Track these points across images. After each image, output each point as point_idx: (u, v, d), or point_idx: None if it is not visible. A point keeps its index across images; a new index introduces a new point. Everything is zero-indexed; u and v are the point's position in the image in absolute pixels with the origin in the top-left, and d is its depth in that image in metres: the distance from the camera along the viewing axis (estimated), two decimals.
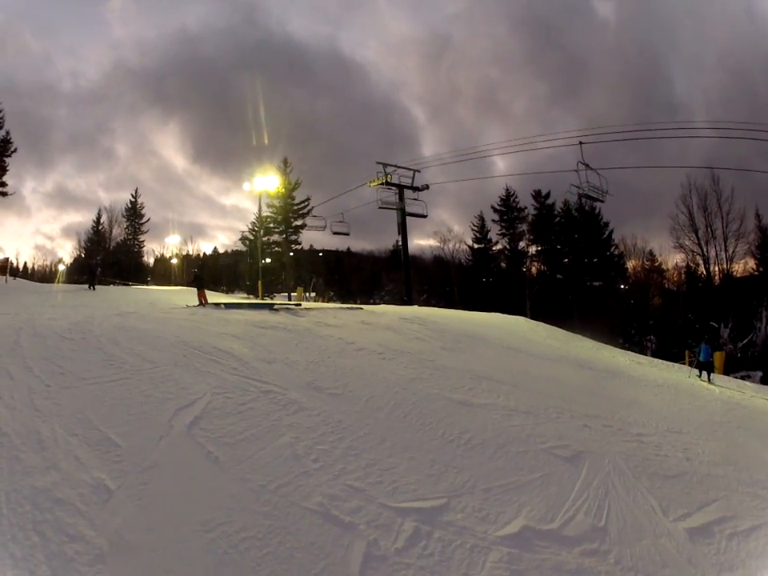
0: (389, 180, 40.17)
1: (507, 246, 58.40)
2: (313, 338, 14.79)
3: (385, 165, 40.31)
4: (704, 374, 23.51)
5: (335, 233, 42.40)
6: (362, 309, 22.72)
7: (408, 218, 42.25)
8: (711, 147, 43.67)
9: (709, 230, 50.23)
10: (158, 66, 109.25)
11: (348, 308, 23.56)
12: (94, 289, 32.21)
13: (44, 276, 70.15)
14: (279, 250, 60.23)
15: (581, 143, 34.36)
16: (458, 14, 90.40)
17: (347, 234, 43.24)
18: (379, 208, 41.01)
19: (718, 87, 54.88)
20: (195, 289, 25.72)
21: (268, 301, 35.47)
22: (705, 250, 50.35)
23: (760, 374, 41.05)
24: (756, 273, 49.13)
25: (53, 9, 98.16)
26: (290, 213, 59.77)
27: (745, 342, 33.61)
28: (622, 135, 35.10)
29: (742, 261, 50.13)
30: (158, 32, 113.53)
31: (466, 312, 31.50)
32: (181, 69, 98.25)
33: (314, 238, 66.42)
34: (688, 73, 61.09)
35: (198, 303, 23.49)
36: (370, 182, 41.16)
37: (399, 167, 40.96)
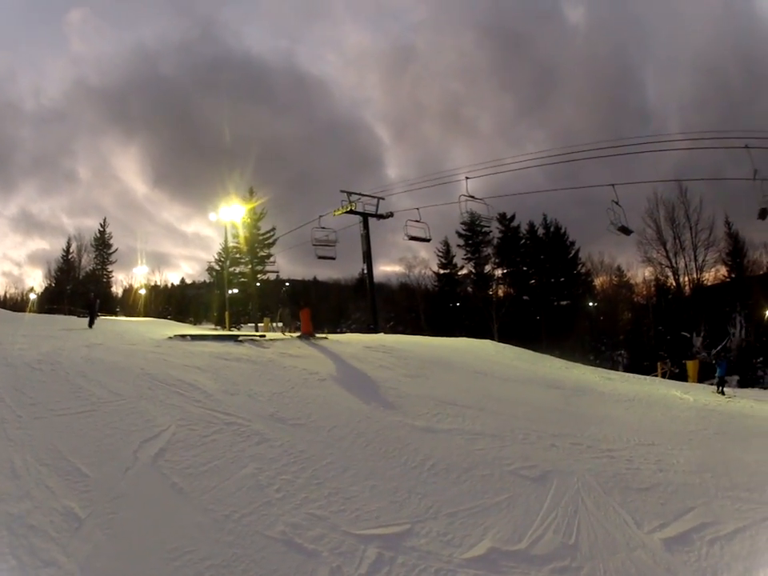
0: (353, 208, 40.11)
1: (473, 270, 58.88)
2: (276, 368, 15.04)
3: (349, 193, 40.37)
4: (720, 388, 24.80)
5: (320, 257, 42.01)
6: (326, 338, 22.60)
7: (374, 245, 42.63)
8: (682, 156, 44.10)
9: (677, 241, 51.08)
10: (118, 84, 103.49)
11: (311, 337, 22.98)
12: (92, 326, 25.65)
13: (15, 304, 68.84)
14: (245, 280, 60.58)
15: (467, 178, 36.23)
16: (421, 23, 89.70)
17: (333, 258, 43.01)
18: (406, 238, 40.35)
19: (693, 88, 55.97)
20: (165, 320, 24.98)
21: (233, 332, 35.20)
22: (674, 261, 51.18)
23: (737, 377, 41.53)
24: (728, 279, 49.79)
25: (13, 20, 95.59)
26: (255, 243, 59.59)
27: (719, 348, 34.12)
28: (590, 153, 34.93)
29: (713, 269, 50.92)
30: (115, 48, 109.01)
31: (432, 338, 31.51)
32: (140, 87, 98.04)
33: (281, 266, 66.53)
34: (661, 75, 61.97)
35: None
36: (335, 211, 41.08)
37: (363, 195, 40.96)
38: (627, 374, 30.42)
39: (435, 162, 70.97)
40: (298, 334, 18.60)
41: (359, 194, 40.23)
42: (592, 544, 7.02)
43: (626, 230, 32.97)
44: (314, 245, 40.10)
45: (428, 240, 39.69)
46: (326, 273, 64.69)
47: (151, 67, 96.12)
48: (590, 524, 7.55)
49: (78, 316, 34.85)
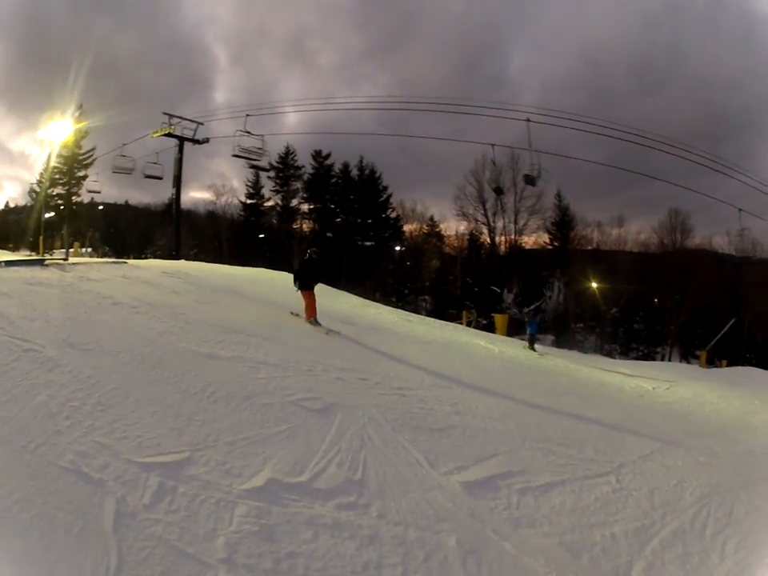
0: (172, 132, 39.40)
1: (279, 203, 57.91)
2: (74, 293, 14.30)
3: (170, 116, 39.56)
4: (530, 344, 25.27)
5: (147, 176, 40.22)
6: (126, 263, 21.95)
7: (185, 169, 42.05)
8: (522, 126, 44.14)
9: (499, 203, 51.45)
10: None
11: (113, 262, 22.68)
12: None
13: None
14: (62, 203, 56.94)
15: (247, 115, 36.86)
16: None
17: (160, 178, 41.21)
18: (233, 155, 38.63)
19: (565, 71, 55.07)
20: None
21: (42, 257, 33.45)
22: (492, 221, 51.65)
23: (552, 337, 44.32)
24: (550, 246, 51.07)
25: None
26: (74, 163, 56.67)
27: (533, 306, 35.32)
28: (427, 106, 34.75)
29: (535, 234, 52.02)
30: None
31: (231, 267, 31.51)
32: None
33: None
34: (533, 52, 60.76)
35: None
36: (153, 133, 40.05)
37: (183, 119, 40.16)
38: (429, 318, 30.74)
39: (266, 92, 68.41)
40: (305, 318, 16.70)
41: (180, 117, 39.63)
42: (381, 481, 7.03)
43: (249, 158, 36.32)
44: (113, 171, 40.48)
45: (258, 160, 39.00)
46: (138, 197, 61.66)
47: None
48: (378, 461, 7.55)
49: None
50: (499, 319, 36.55)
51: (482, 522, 6.60)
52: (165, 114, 39.60)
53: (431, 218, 54.60)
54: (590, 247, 50.30)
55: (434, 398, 10.90)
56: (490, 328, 37.88)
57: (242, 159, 38.20)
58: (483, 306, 45.00)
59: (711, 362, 39.29)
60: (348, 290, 31.72)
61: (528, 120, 30.65)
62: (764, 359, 39.71)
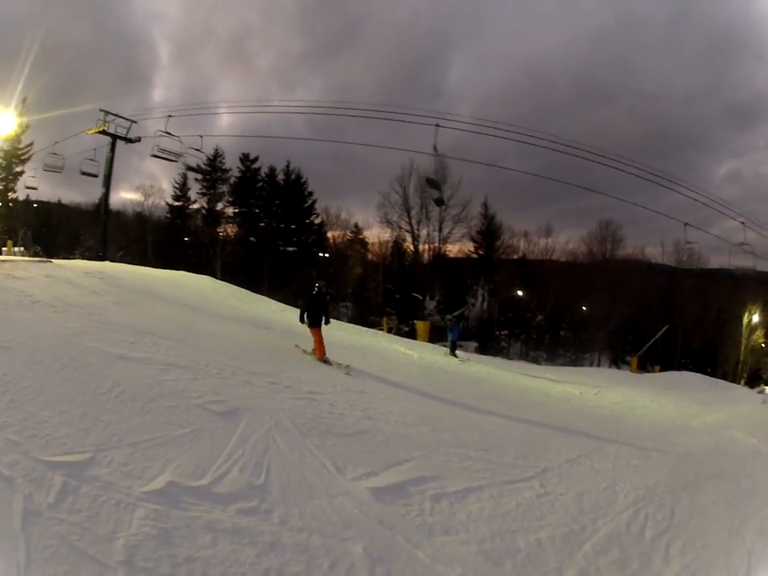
0: (106, 129, 38.11)
1: (205, 206, 57.39)
2: None
3: (106, 112, 38.32)
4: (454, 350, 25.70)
5: (84, 173, 39.18)
6: (51, 262, 21.70)
7: (118, 168, 41.51)
8: (458, 136, 44.02)
9: (424, 210, 51.61)
10: None
11: (38, 261, 22.59)
12: None
13: None
14: None
15: (169, 116, 36.17)
16: None
17: (96, 176, 40.22)
18: (152, 155, 37.78)
19: (506, 83, 55.04)
20: None
21: None
22: (416, 228, 51.72)
23: (475, 344, 44.51)
24: (475, 255, 51.11)
25: None
26: (13, 158, 55.32)
27: (455, 313, 35.28)
28: (349, 111, 34.46)
29: (459, 243, 52.11)
30: None
31: (153, 269, 31.16)
32: None
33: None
34: (474, 63, 60.56)
35: None
36: (88, 130, 38.61)
37: (118, 116, 38.94)
38: (348, 324, 31.32)
39: (203, 92, 67.39)
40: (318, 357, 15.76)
41: (115, 115, 38.71)
42: (284, 487, 6.88)
43: (167, 159, 35.63)
44: (44, 169, 39.10)
45: (176, 161, 38.22)
46: (70, 196, 60.34)
47: None
48: (282, 465, 7.41)
49: None
50: (420, 326, 37.34)
51: (392, 529, 6.40)
52: (101, 110, 38.76)
53: (356, 225, 54.55)
54: (516, 256, 50.85)
55: (346, 403, 10.84)
56: (411, 335, 38.07)
57: (166, 160, 37.20)
58: (405, 313, 45.44)
59: (643, 368, 40.16)
60: (270, 295, 32.16)
61: (437, 126, 29.73)
62: (700, 365, 40.84)
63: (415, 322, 40.23)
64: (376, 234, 53.83)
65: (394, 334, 33.18)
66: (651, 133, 46.10)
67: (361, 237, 54.85)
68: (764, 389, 34.24)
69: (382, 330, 35.05)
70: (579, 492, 8.54)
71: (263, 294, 31.89)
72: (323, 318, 15.50)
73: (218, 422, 8.33)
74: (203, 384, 9.84)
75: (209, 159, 52.74)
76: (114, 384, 8.82)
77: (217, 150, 52.64)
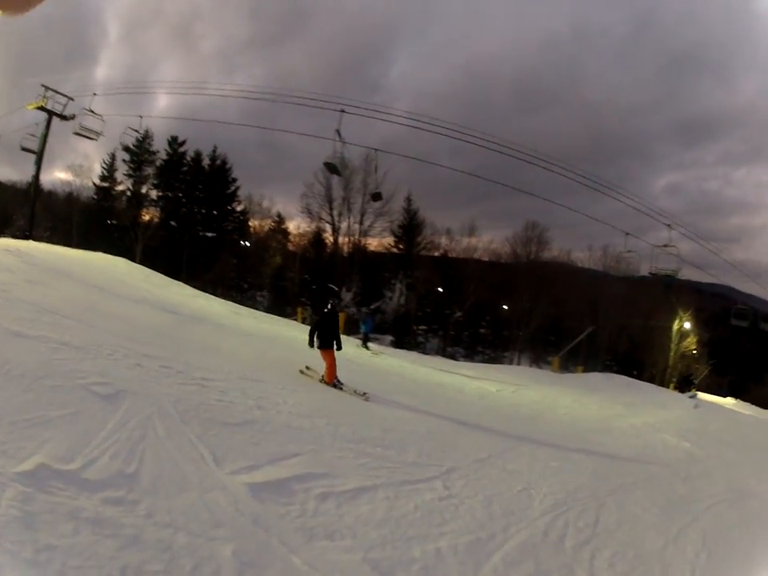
0: (44, 105, 37.70)
1: (130, 188, 56.60)
2: None
3: (46, 88, 37.80)
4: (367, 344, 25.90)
5: (24, 149, 38.28)
6: None
7: (55, 146, 41.13)
8: (392, 130, 43.61)
9: (346, 202, 51.25)
10: None
11: None
12: None
13: None
14: None
15: (94, 94, 37.39)
16: None
17: (34, 153, 39.36)
18: (74, 133, 38.31)
19: (446, 84, 54.42)
20: None
21: None
22: (337, 220, 51.39)
23: (390, 337, 44.21)
24: (395, 249, 50.98)
25: None
26: None
27: (372, 306, 35.11)
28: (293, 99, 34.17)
29: (380, 236, 51.92)
30: None
31: (71, 250, 30.77)
32: None
33: None
34: (417, 61, 59.77)
35: None
36: (27, 105, 38.45)
37: (57, 92, 38.38)
38: (260, 313, 31.34)
39: (146, 72, 65.86)
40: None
41: (54, 91, 38.26)
42: (156, 477, 6.34)
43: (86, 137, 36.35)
44: None
45: (95, 139, 38.89)
46: (7, 173, 58.84)
47: None
48: (158, 454, 6.90)
49: None
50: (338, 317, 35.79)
51: (268, 530, 5.86)
52: (42, 86, 38.19)
53: (278, 215, 53.98)
54: (437, 253, 50.78)
55: (239, 391, 10.49)
56: None
57: (87, 138, 38.19)
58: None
59: (565, 368, 40.44)
60: (188, 281, 32.19)
61: (342, 111, 30.63)
62: (626, 368, 41.48)
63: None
64: (298, 224, 53.50)
65: (308, 324, 32.73)
66: (590, 140, 46.82)
67: (283, 227, 54.39)
68: (695, 393, 35.06)
69: (296, 319, 35.40)
70: (489, 495, 8.02)
71: (181, 280, 31.55)
72: (335, 341, 14.39)
73: (99, 404, 7.83)
74: (92, 365, 9.41)
75: (138, 140, 52.01)
76: (5, 361, 8.41)
77: (147, 131, 51.83)
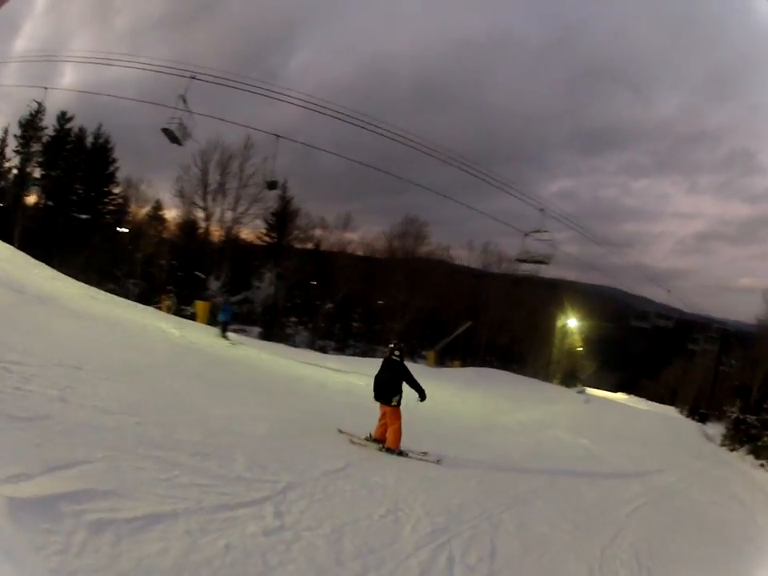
0: None
1: (18, 165, 54.37)
2: None
3: None
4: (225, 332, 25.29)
5: None
6: None
7: None
8: (283, 117, 42.52)
9: (222, 188, 50.21)
10: None
11: None
12: None
13: None
14: None
15: None
16: None
17: None
18: None
19: (346, 79, 53.29)
20: None
21: None
22: (211, 205, 50.30)
23: (258, 329, 42.48)
24: (267, 237, 50.31)
25: None
26: None
27: (240, 297, 34.33)
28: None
29: (252, 224, 51.23)
30: None
31: None
32: None
33: None
34: (318, 54, 58.50)
35: None
36: None
37: None
38: (120, 299, 30.71)
39: (62, 44, 63.34)
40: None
41: None
42: None
43: (171, 135, 32.83)
44: None
45: None
46: None
47: None
48: None
49: None
50: (200, 306, 36.85)
51: (17, 566, 4.02)
52: None
53: (157, 201, 52.55)
54: (310, 244, 49.24)
55: (47, 379, 8.96)
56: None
57: None
58: (190, 293, 43.25)
59: (442, 363, 40.70)
60: (61, 265, 31.97)
61: (193, 77, 30.75)
62: (506, 363, 41.85)
63: (196, 302, 38.89)
64: (173, 209, 52.09)
65: (173, 313, 32.98)
66: (485, 143, 45.94)
67: (160, 212, 52.86)
68: (584, 389, 36.56)
69: (160, 308, 34.93)
70: (339, 525, 6.21)
71: (53, 264, 30.75)
72: (398, 392, 11.47)
73: None
74: None
75: (30, 114, 50.01)
76: None
77: (40, 104, 49.60)
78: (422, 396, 11.45)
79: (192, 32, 58.27)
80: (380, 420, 11.55)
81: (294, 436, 9.72)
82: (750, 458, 24.65)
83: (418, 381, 11.39)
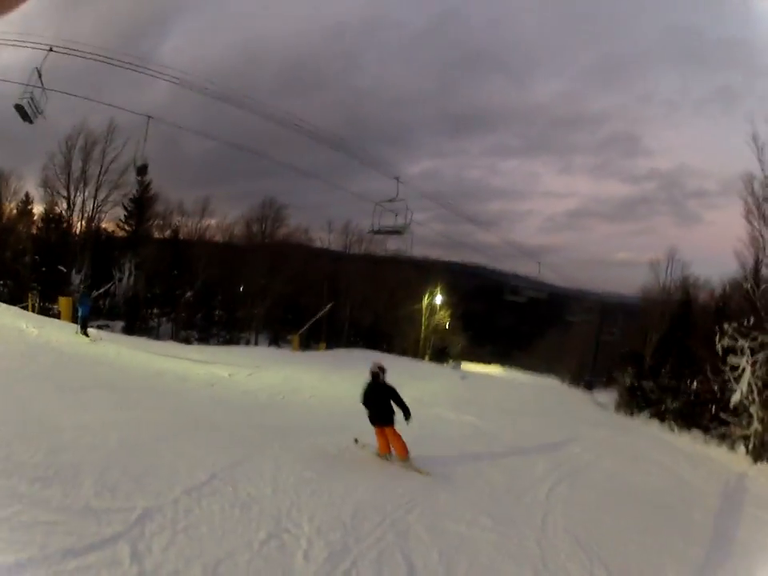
0: None
1: None
2: None
3: None
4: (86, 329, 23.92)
5: None
6: None
7: None
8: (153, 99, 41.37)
9: (84, 175, 48.03)
10: None
11: None
12: None
13: None
14: None
15: None
16: None
17: None
18: None
19: (214, 60, 52.30)
20: None
21: None
22: (73, 194, 48.23)
23: (122, 323, 41.92)
24: (127, 226, 48.92)
25: None
26: None
27: (101, 291, 33.20)
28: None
29: (113, 212, 49.64)
30: None
31: None
32: None
33: None
34: (189, 37, 57.23)
35: None
36: None
37: None
38: None
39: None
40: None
41: None
42: None
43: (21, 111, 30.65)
44: None
45: None
46: None
47: None
48: None
49: None
50: (63, 302, 35.83)
51: None
52: None
53: (26, 194, 50.08)
54: (169, 230, 49.00)
55: None
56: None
57: None
58: (54, 289, 41.72)
59: (306, 346, 41.51)
60: None
61: (50, 50, 29.11)
62: (373, 342, 43.17)
63: (60, 298, 37.27)
64: (41, 203, 49.84)
65: (37, 312, 32.09)
66: (351, 125, 48.83)
67: (29, 206, 50.44)
68: (458, 364, 37.99)
69: (25, 306, 33.84)
70: (212, 562, 5.37)
71: None
72: (393, 412, 11.75)
73: None
74: None
75: None
76: None
77: None
78: (407, 415, 11.54)
79: (77, 13, 56.86)
80: (378, 438, 11.87)
81: (150, 443, 8.90)
82: (656, 422, 25.56)
83: (403, 399, 11.67)
